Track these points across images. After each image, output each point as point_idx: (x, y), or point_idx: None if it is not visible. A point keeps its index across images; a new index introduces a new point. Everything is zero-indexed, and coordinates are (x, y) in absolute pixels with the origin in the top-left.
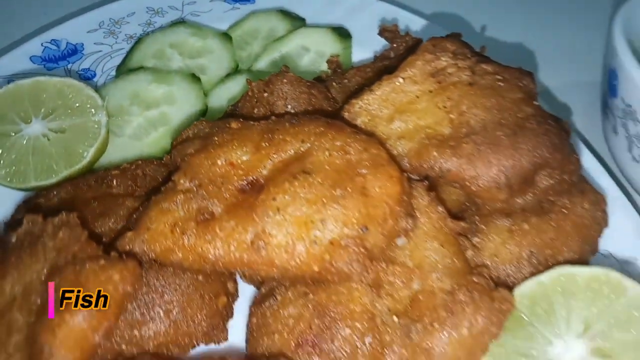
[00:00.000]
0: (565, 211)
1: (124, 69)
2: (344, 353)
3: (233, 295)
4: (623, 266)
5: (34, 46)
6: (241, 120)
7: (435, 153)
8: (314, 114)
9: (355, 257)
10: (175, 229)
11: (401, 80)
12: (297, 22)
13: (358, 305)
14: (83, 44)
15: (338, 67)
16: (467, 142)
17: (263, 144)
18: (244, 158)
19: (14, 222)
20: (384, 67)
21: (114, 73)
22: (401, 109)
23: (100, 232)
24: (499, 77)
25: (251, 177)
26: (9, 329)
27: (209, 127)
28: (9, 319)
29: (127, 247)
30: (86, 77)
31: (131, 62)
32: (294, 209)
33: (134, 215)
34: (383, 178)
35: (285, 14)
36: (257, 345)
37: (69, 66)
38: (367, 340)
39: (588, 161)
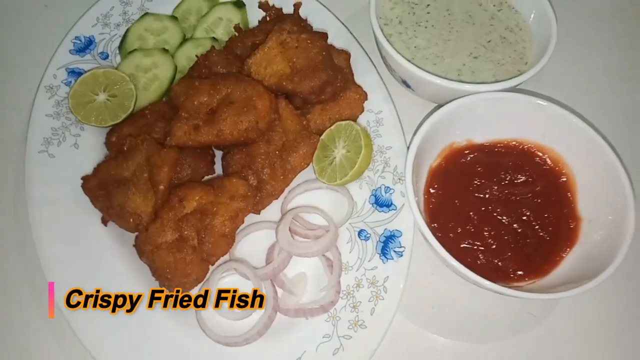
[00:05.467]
0: (343, 97)
1: (124, 51)
2: (259, 170)
3: (213, 162)
4: (377, 115)
5: (68, 43)
6: (201, 79)
7: (284, 83)
8: (233, 73)
9: (255, 132)
10: (185, 132)
11: (267, 49)
12: (214, 0)
13: (262, 150)
14: (94, 36)
15: (240, 29)
16: (295, 75)
17: (212, 92)
18: (205, 99)
19: (109, 143)
20: (265, 30)
21: (117, 51)
22: (269, 62)
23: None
24: (309, 41)
25: (210, 107)
26: (139, 174)
27: (185, 85)
28: (135, 175)
29: (171, 142)
30: (103, 58)
31: (126, 45)
32: (229, 118)
33: (166, 128)
34: (262, 100)
35: None
36: (228, 167)
37: (92, 52)
38: (265, 162)
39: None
